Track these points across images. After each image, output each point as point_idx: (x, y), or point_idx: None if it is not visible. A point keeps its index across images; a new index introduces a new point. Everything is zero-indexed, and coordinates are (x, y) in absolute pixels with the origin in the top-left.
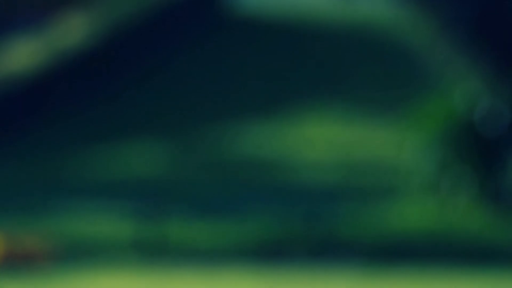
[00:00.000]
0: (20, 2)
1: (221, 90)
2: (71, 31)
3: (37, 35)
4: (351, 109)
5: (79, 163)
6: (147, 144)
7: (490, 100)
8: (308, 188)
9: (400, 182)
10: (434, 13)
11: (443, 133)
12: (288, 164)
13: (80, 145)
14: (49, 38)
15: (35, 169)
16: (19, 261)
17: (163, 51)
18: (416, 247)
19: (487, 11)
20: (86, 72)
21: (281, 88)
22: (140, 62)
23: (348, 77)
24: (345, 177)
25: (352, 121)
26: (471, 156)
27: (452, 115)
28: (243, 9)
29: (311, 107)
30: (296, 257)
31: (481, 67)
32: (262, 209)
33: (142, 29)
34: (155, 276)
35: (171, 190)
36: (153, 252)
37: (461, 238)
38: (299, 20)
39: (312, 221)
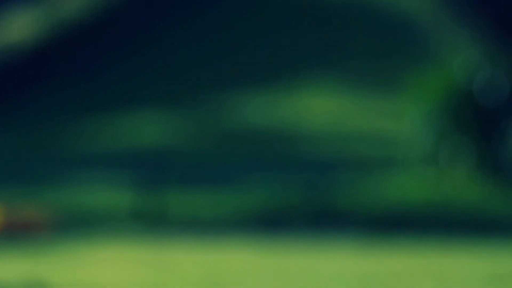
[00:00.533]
0: None
1: (220, 61)
2: (70, 2)
3: (36, 5)
4: (350, 80)
5: (79, 133)
6: (147, 114)
7: (489, 70)
8: (307, 158)
9: (399, 152)
10: None
11: (442, 103)
12: (287, 134)
13: (80, 115)
14: (48, 8)
15: (34, 139)
16: (19, 231)
17: (163, 21)
18: (414, 218)
19: None
20: (86, 42)
21: (281, 58)
22: (139, 32)
23: (347, 48)
24: (344, 147)
25: (351, 92)
26: (470, 126)
27: (452, 85)
28: None
29: (310, 77)
30: (294, 227)
31: (481, 38)
32: (261, 179)
33: None
34: (154, 246)
35: (171, 160)
36: (153, 222)
37: (459, 209)
38: None
39: (311, 191)
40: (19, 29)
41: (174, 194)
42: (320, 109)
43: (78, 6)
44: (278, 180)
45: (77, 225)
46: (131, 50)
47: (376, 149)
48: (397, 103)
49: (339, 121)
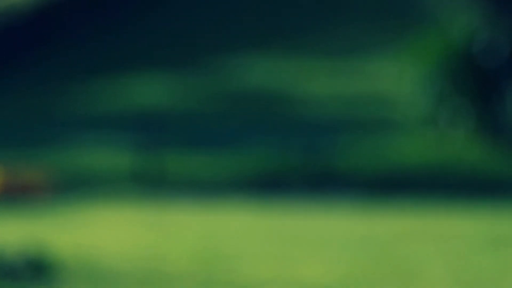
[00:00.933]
0: None
1: (221, 22)
2: None
3: None
4: (350, 41)
5: (79, 95)
6: (147, 76)
7: (489, 32)
8: (306, 120)
9: (398, 114)
10: None
11: (442, 65)
12: (287, 97)
13: (80, 77)
14: None
15: (34, 101)
16: (18, 193)
17: None
18: (414, 179)
19: None
20: (88, 4)
21: (281, 20)
22: None
23: (346, 9)
24: (344, 109)
25: (350, 54)
26: (470, 88)
27: (451, 47)
28: None
29: (310, 40)
30: (294, 189)
31: None
32: (261, 141)
33: None
34: (154, 207)
35: (170, 122)
36: (152, 184)
37: (459, 170)
38: None
39: (311, 153)
40: None
41: (173, 156)
42: (320, 71)
43: None
44: (278, 142)
45: (76, 187)
46: (133, 12)
47: (376, 111)
48: (396, 65)
49: (339, 83)
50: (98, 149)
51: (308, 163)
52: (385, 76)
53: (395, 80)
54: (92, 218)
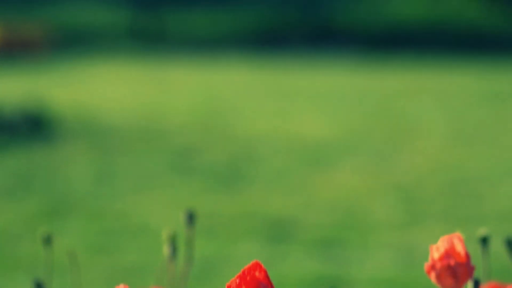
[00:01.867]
0: None
1: None
2: None
3: None
4: None
5: None
6: None
7: None
8: None
9: None
10: None
11: None
12: None
13: None
14: None
15: None
16: (17, 49)
17: None
18: (413, 36)
19: None
20: None
21: None
22: None
23: None
24: None
25: None
26: None
27: None
28: None
29: None
30: (292, 45)
31: None
32: None
33: None
34: (152, 64)
35: None
36: (151, 41)
37: (458, 27)
38: None
39: (309, 9)
40: None
41: (172, 13)
42: None
43: None
44: None
45: (75, 44)
46: None
47: None
48: None
49: None
50: (96, 6)
51: (307, 19)
52: None
53: None
54: (91, 75)
